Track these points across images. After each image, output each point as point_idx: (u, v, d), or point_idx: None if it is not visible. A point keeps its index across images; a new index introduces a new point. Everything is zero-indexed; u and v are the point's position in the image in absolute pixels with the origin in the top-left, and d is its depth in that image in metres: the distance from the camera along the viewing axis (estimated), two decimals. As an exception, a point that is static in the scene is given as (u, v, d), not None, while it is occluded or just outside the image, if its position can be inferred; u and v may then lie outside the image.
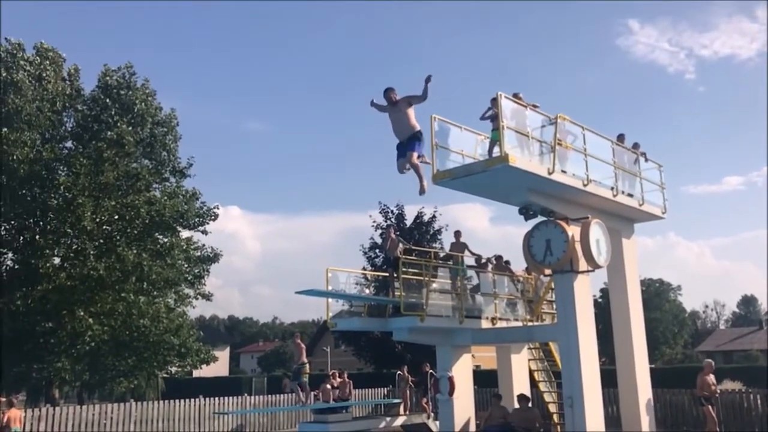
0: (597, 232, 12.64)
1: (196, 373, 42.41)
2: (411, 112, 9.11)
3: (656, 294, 67.80)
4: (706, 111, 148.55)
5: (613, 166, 13.68)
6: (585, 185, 12.59)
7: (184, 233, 25.59)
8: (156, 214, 23.28)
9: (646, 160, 15.15)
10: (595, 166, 13.01)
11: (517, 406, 13.90)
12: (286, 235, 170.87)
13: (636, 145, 14.97)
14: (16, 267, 22.69)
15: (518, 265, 16.41)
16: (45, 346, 21.49)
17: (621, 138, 14.49)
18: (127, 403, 18.78)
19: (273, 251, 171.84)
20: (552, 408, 16.15)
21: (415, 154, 9.04)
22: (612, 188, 13.46)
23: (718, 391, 14.12)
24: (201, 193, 25.60)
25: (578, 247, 12.43)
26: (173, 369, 26.87)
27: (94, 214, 22.08)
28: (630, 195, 14.27)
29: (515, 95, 11.71)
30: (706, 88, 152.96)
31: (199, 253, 26.03)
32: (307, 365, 16.77)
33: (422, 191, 9.52)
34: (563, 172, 12.20)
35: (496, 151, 11.99)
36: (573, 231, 12.48)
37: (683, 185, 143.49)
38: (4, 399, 14.82)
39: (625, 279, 14.59)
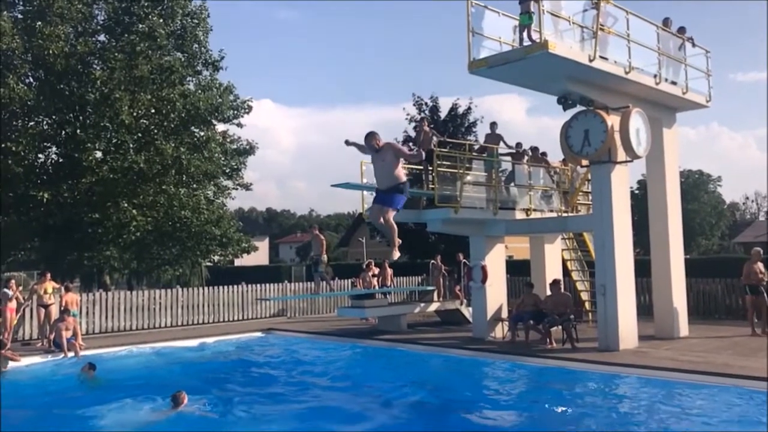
0: (637, 122, 12.36)
1: (237, 262, 43.93)
2: (398, 163, 7.74)
3: (695, 185, 66.74)
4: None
5: (657, 53, 13.14)
6: (627, 73, 12.19)
7: (220, 126, 25.81)
8: (191, 107, 23.43)
9: (693, 45, 14.49)
10: (638, 53, 12.53)
11: (549, 293, 14.20)
12: (321, 129, 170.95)
13: (682, 30, 14.29)
14: (61, 161, 23.34)
15: (555, 157, 16.29)
16: (93, 235, 22.43)
17: (666, 22, 13.82)
18: (173, 289, 19.72)
19: (307, 145, 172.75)
20: (584, 296, 16.51)
21: (393, 213, 7.99)
22: (655, 76, 12.99)
23: (766, 280, 14.19)
24: (234, 86, 25.57)
25: (617, 137, 12.23)
26: (216, 258, 27.88)
27: (130, 108, 22.32)
28: (673, 83, 13.78)
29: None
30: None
31: (235, 146, 26.35)
32: (325, 256, 17.50)
33: (392, 255, 8.53)
34: (604, 59, 11.79)
35: (525, 37, 11.60)
36: (612, 121, 12.22)
37: (731, 72, 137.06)
38: (60, 285, 15.71)
39: (664, 170, 14.36)
